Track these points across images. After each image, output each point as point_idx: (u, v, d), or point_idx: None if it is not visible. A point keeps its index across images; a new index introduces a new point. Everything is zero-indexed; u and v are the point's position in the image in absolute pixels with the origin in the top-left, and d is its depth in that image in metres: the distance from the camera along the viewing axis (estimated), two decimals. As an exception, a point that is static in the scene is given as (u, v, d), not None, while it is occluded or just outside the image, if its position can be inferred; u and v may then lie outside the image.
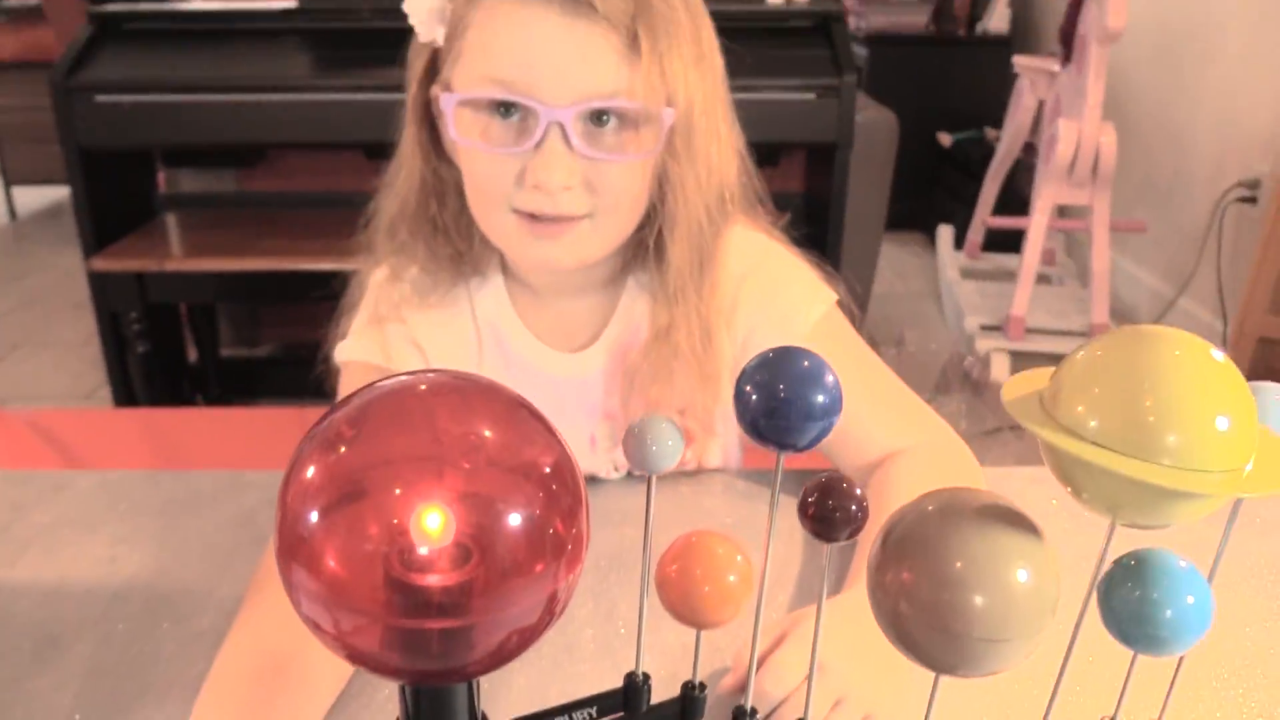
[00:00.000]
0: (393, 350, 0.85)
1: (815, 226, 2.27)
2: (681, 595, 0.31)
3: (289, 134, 2.16)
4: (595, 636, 0.67)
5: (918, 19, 4.26)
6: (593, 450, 0.89)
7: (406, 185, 0.84)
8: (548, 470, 0.30)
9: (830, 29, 2.19)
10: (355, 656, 0.30)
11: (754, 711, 0.35)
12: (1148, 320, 3.15)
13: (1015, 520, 0.34)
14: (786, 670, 0.58)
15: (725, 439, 0.92)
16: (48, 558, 0.77)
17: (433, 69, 0.80)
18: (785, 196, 2.46)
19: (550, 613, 0.29)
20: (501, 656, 0.29)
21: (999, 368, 2.76)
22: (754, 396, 0.28)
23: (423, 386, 0.30)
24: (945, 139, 4.10)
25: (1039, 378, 0.37)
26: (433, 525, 0.29)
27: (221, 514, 0.83)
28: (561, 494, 0.29)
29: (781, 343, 0.86)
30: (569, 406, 0.88)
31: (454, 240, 0.84)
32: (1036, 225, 2.79)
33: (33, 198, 4.70)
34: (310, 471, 0.28)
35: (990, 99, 4.07)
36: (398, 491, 0.29)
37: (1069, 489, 0.36)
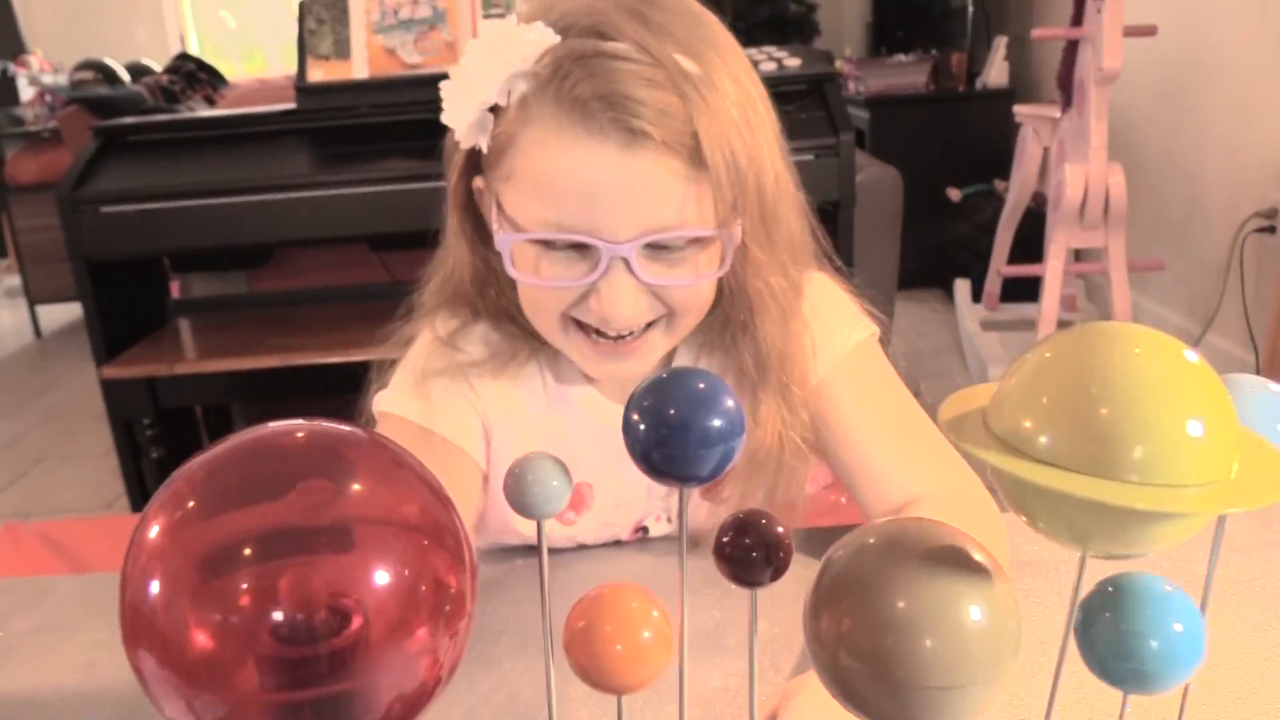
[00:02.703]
0: (436, 412, 0.80)
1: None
2: (590, 656, 0.28)
3: (293, 231, 2.16)
4: None
5: (916, 79, 4.29)
6: (648, 499, 0.86)
7: (458, 273, 0.81)
8: (426, 532, 0.27)
9: (824, 91, 2.19)
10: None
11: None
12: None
13: (965, 553, 0.30)
14: None
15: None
16: (24, 667, 0.74)
17: (473, 160, 0.76)
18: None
19: (434, 677, 0.26)
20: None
21: (1026, 417, 2.70)
22: (642, 425, 0.25)
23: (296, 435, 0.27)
24: (954, 194, 4.10)
25: (982, 394, 0.33)
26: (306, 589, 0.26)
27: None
28: (439, 551, 0.27)
29: (818, 359, 0.83)
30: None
31: (521, 322, 0.81)
32: (1052, 271, 2.76)
33: (56, 315, 4.77)
34: (154, 532, 0.26)
35: (996, 151, 4.07)
36: (265, 559, 0.26)
37: (1024, 517, 0.32)
